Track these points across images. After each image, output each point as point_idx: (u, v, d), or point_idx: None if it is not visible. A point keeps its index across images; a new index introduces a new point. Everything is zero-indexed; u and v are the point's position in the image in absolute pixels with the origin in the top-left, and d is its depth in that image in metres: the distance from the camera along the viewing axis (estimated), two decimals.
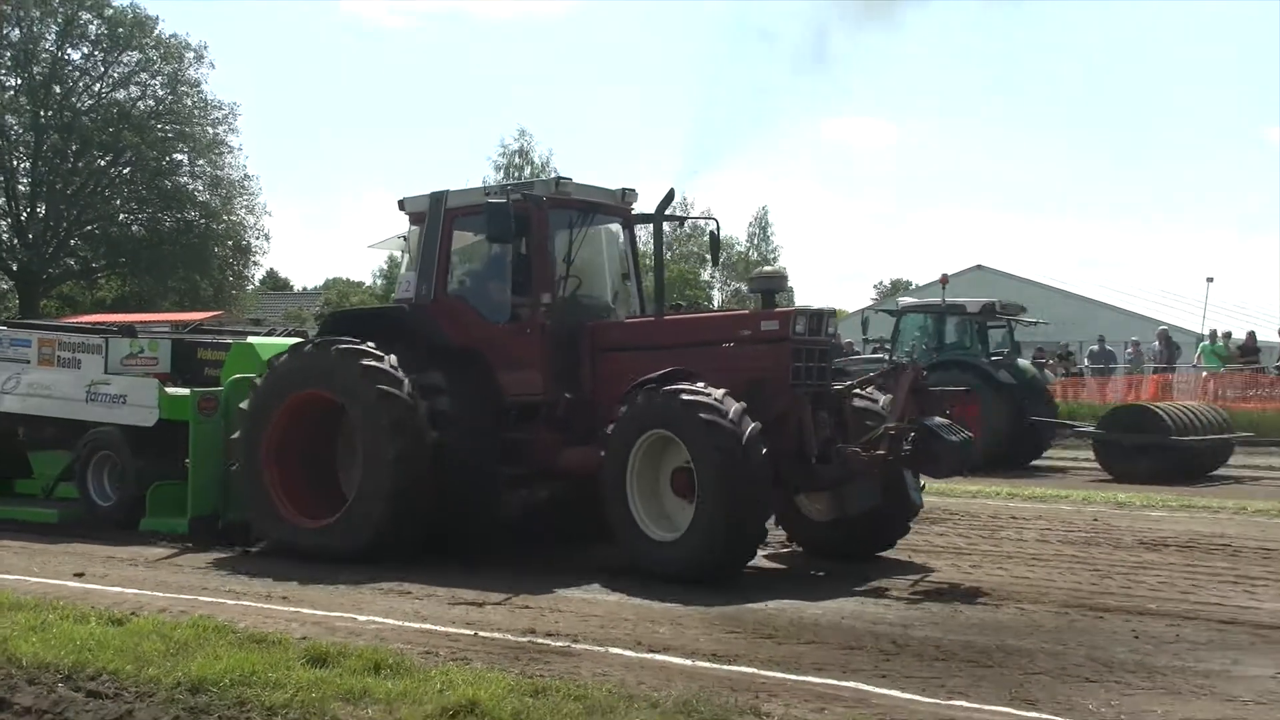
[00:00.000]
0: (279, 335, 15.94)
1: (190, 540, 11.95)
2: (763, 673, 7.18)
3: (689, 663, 7.44)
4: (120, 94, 54.68)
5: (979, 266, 50.29)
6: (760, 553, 10.60)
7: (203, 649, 7.32)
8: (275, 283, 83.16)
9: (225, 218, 56.15)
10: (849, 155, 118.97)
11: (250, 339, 14.28)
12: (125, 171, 55.28)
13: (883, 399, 10.78)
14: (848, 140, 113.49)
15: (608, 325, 11.68)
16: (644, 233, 16.11)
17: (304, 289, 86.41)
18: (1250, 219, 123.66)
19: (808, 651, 7.73)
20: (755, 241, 74.27)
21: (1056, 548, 11.88)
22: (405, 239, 12.61)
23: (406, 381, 10.78)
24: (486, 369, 11.27)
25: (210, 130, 55.56)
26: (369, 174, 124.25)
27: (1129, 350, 31.79)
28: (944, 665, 7.40)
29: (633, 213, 12.34)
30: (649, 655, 7.63)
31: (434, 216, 11.69)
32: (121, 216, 55.93)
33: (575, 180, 11.58)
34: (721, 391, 9.75)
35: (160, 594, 9.59)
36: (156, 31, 54.14)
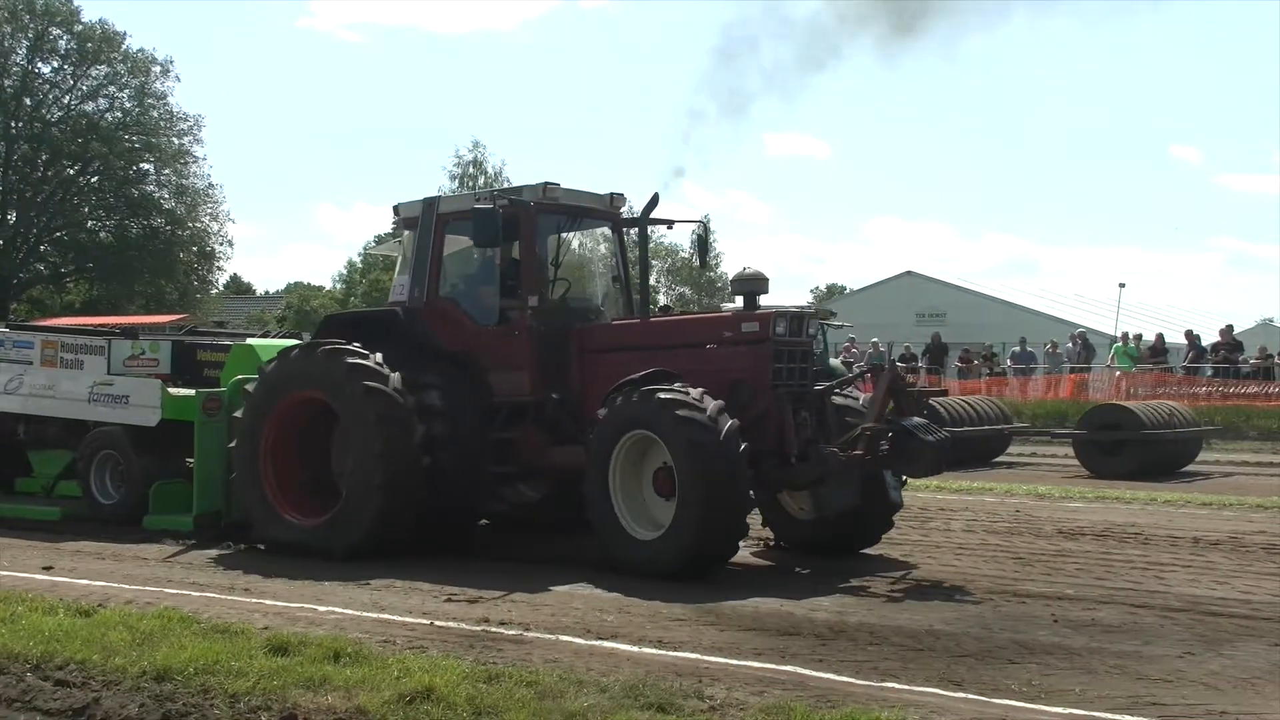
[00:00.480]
0: (275, 336, 15.67)
1: (195, 537, 11.68)
2: (706, 658, 7.17)
3: (636, 649, 7.43)
4: (89, 106, 54.03)
5: (909, 273, 50.75)
6: (746, 550, 10.45)
7: (168, 639, 7.20)
8: (238, 287, 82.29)
9: (190, 225, 55.63)
10: (787, 168, 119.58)
11: (250, 340, 14.00)
12: (93, 180, 54.65)
13: (863, 399, 10.63)
14: (787, 154, 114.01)
15: (594, 328, 11.50)
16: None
17: (266, 293, 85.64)
18: (1160, 229, 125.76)
19: (748, 638, 7.74)
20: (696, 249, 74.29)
21: (982, 537, 11.97)
22: (402, 243, 12.35)
23: (393, 377, 10.56)
24: (477, 371, 11.07)
25: (176, 141, 55.07)
26: (328, 182, 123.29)
27: (1048, 351, 32.16)
28: (877, 649, 7.44)
29: (621, 216, 12.12)
30: (598, 642, 7.61)
31: (426, 221, 11.49)
32: (90, 223, 55.33)
33: (563, 185, 11.32)
34: (699, 390, 9.55)
35: (127, 586, 9.44)
36: (124, 46, 53.59)
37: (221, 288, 68.08)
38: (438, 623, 8.13)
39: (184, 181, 55.24)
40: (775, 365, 10.13)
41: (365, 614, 8.44)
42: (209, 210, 56.45)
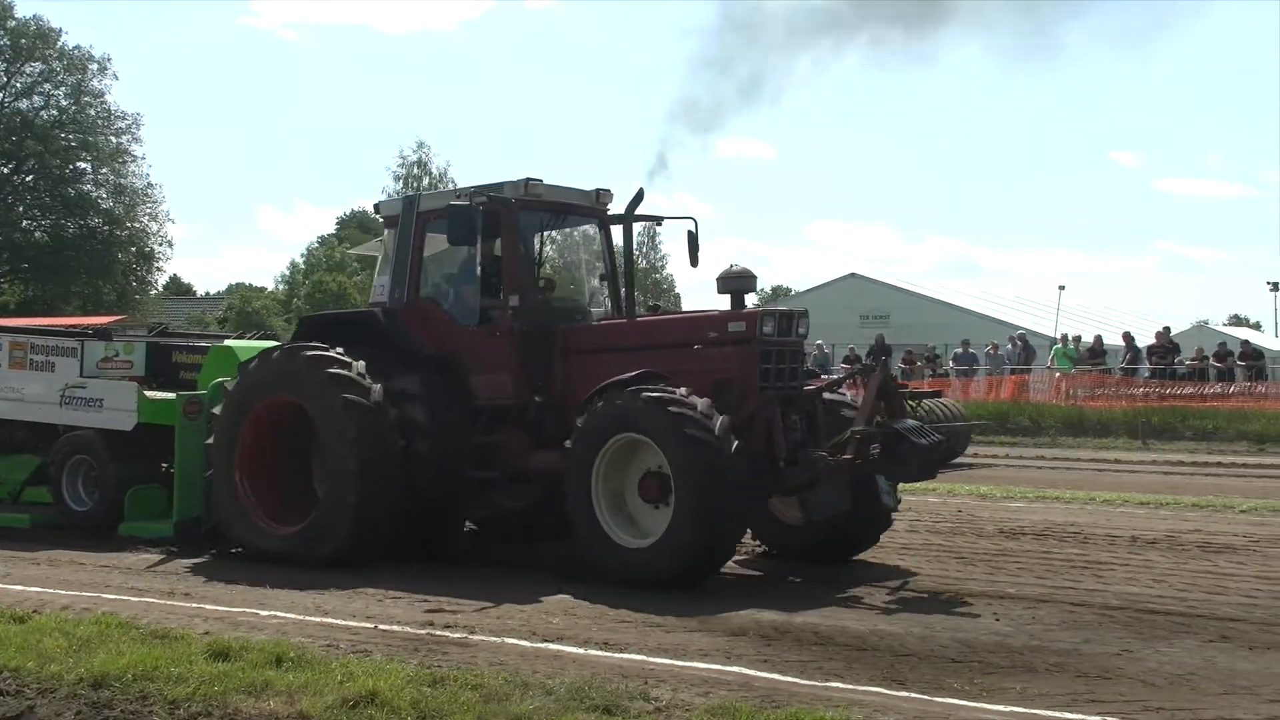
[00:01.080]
0: (251, 338, 15.29)
1: (175, 544, 11.36)
2: (652, 660, 7.18)
3: (581, 651, 7.42)
4: (23, 104, 53.14)
5: (853, 275, 51.13)
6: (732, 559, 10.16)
7: (105, 645, 7.09)
8: (178, 288, 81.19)
9: (128, 225, 54.82)
10: (733, 170, 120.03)
11: (228, 342, 13.63)
12: (29, 179, 53.70)
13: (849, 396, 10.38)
14: (732, 155, 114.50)
15: (578, 328, 11.12)
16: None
17: (206, 294, 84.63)
18: (1099, 232, 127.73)
19: (694, 639, 7.75)
20: (644, 250, 74.45)
21: (925, 537, 12.08)
22: (384, 242, 11.96)
23: (375, 389, 10.22)
24: (458, 373, 10.78)
25: (114, 139, 54.26)
26: (270, 183, 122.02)
27: (989, 353, 32.53)
28: (821, 649, 7.48)
29: (608, 213, 11.71)
30: (543, 645, 7.59)
31: (406, 220, 11.15)
32: (25, 223, 54.31)
33: (545, 181, 10.91)
34: (685, 389, 9.28)
35: (63, 592, 9.28)
36: (60, 43, 52.72)
37: (161, 289, 67.24)
38: (382, 626, 8.07)
39: (122, 181, 54.52)
40: (763, 366, 9.84)
41: (308, 618, 8.35)
42: (148, 210, 55.79)
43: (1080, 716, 6.06)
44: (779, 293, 79.12)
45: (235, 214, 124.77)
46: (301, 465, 11.08)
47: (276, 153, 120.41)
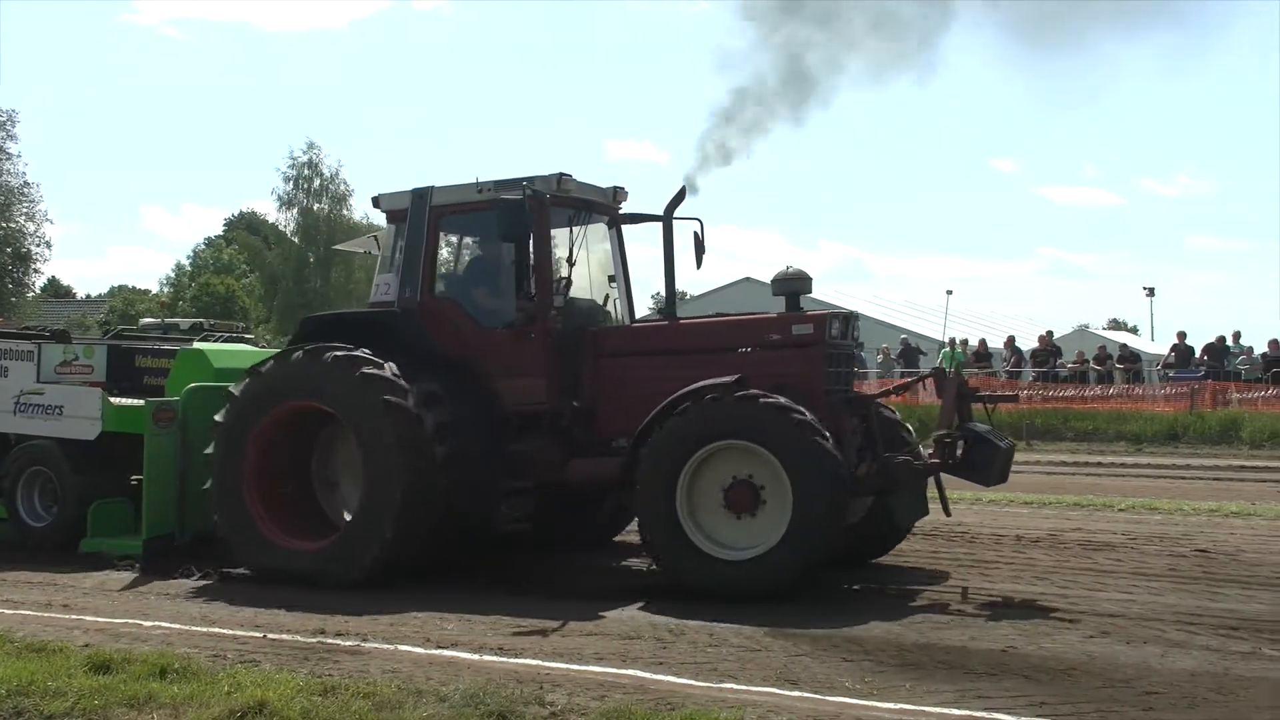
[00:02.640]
0: (219, 340, 14.62)
1: (145, 563, 10.58)
2: (547, 664, 7.16)
3: (476, 657, 7.37)
4: None
5: (747, 279, 51.60)
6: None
7: None
8: (57, 290, 78.67)
9: (3, 225, 52.91)
10: (626, 174, 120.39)
11: (198, 345, 12.91)
12: None
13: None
14: (625, 159, 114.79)
15: (611, 330, 10.69)
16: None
17: (88, 296, 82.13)
18: (984, 238, 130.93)
19: (590, 642, 7.75)
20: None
21: None
22: (377, 239, 11.35)
23: (411, 392, 9.59)
24: (481, 377, 10.16)
25: None
26: (155, 183, 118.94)
27: (879, 356, 33.09)
28: (716, 651, 7.53)
29: (620, 212, 11.29)
30: (437, 651, 7.52)
31: (417, 215, 10.44)
32: None
33: (574, 178, 10.43)
34: (786, 399, 8.82)
35: None
36: None
37: (39, 290, 65.04)
38: (271, 635, 7.92)
39: None
40: (828, 370, 9.52)
41: (194, 628, 8.17)
42: (24, 210, 53.80)
43: (967, 712, 6.19)
44: (678, 296, 79.46)
45: (118, 214, 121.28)
46: (303, 478, 10.45)
47: (161, 152, 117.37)
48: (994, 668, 7.06)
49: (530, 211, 9.72)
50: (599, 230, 11.17)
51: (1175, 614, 8.46)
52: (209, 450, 10.21)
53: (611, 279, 11.36)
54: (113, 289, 77.35)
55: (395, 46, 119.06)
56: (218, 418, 10.21)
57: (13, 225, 53.44)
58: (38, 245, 54.87)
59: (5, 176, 52.79)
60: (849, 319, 10.07)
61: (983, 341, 33.36)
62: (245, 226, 70.78)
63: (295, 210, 58.22)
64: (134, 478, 11.29)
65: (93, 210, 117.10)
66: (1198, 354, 29.12)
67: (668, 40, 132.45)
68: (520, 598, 9.04)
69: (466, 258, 11.28)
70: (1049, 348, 31.53)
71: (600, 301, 11.17)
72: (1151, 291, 59.98)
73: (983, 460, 9.53)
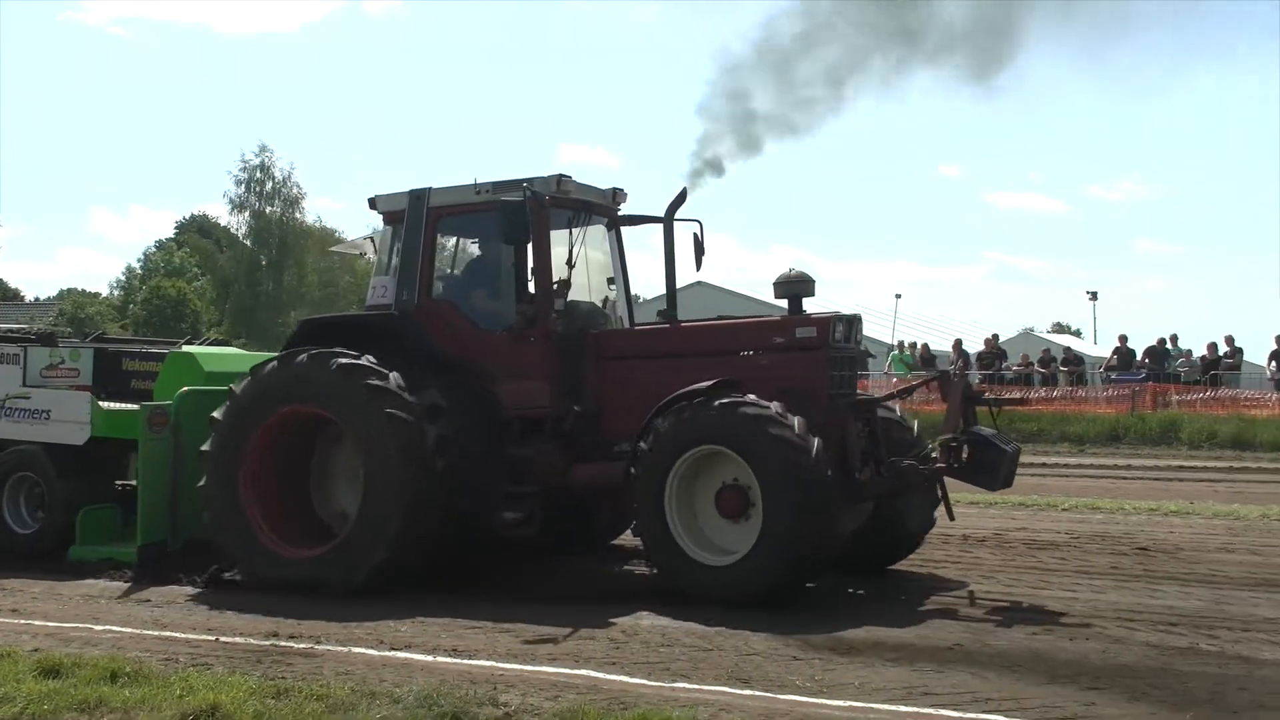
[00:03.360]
0: (205, 344, 14.28)
1: (138, 571, 10.28)
2: (500, 665, 7.17)
3: (430, 659, 7.36)
4: None
5: (699, 283, 51.59)
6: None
7: None
8: (3, 293, 77.46)
9: None
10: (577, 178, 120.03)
11: (187, 347, 12.62)
12: None
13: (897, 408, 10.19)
14: (577, 162, 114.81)
15: (613, 333, 10.57)
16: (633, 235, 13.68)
17: (36, 299, 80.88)
18: (933, 243, 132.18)
19: (543, 644, 7.75)
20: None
21: None
22: (373, 240, 11.19)
23: (414, 403, 9.45)
24: (481, 381, 10.01)
25: None
26: (102, 185, 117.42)
27: None
28: (668, 650, 7.56)
29: (619, 214, 11.12)
30: (391, 653, 7.50)
31: (414, 216, 10.28)
32: None
33: (574, 179, 10.34)
34: (778, 404, 8.72)
35: None
36: None
37: None
38: (224, 638, 7.86)
39: None
40: (832, 373, 9.42)
41: (146, 631, 8.09)
42: None
43: (915, 709, 6.26)
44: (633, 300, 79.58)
45: (66, 216, 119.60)
46: (299, 483, 10.25)
47: (109, 154, 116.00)
48: (941, 665, 7.14)
49: (530, 213, 9.64)
50: (598, 232, 11.03)
51: (1116, 611, 8.60)
52: (205, 447, 10.01)
53: (610, 281, 11.25)
54: (62, 291, 76.28)
55: (347, 49, 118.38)
56: (216, 414, 10.02)
57: None
58: None
59: None
60: (853, 322, 9.93)
61: (925, 345, 33.63)
62: (197, 229, 70.08)
63: (247, 213, 57.85)
64: (121, 483, 11.05)
65: (40, 212, 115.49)
66: (1139, 357, 29.57)
67: (619, 44, 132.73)
68: (470, 599, 9.01)
69: (464, 260, 11.15)
70: (994, 351, 31.88)
71: (599, 304, 11.05)
72: (1094, 295, 61.06)
73: (988, 464, 9.41)
